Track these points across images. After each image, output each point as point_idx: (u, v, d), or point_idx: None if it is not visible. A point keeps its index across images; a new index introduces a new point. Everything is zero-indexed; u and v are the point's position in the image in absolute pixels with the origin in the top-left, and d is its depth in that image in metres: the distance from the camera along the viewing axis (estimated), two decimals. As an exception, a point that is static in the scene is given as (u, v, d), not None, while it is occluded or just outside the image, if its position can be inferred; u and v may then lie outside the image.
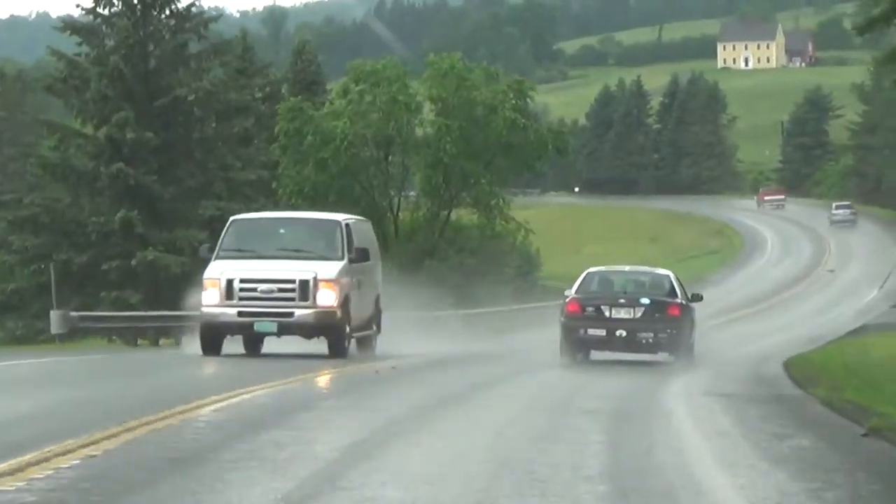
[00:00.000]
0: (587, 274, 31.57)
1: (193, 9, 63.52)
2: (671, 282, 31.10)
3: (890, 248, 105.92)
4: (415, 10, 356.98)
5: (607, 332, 29.59)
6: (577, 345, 30.26)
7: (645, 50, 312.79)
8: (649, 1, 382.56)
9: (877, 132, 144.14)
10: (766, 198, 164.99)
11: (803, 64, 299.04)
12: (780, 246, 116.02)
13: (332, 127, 65.90)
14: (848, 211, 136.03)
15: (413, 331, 36.35)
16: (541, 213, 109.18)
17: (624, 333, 29.38)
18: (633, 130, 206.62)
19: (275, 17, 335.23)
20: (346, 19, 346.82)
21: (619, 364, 30.02)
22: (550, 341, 31.72)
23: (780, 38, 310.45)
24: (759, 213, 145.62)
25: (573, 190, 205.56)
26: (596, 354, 30.82)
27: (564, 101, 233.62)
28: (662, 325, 29.56)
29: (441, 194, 69.75)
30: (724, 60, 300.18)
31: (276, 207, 61.88)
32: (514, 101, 68.95)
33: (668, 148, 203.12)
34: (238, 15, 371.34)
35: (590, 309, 29.79)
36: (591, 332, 29.73)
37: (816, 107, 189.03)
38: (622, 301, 29.98)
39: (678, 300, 30.34)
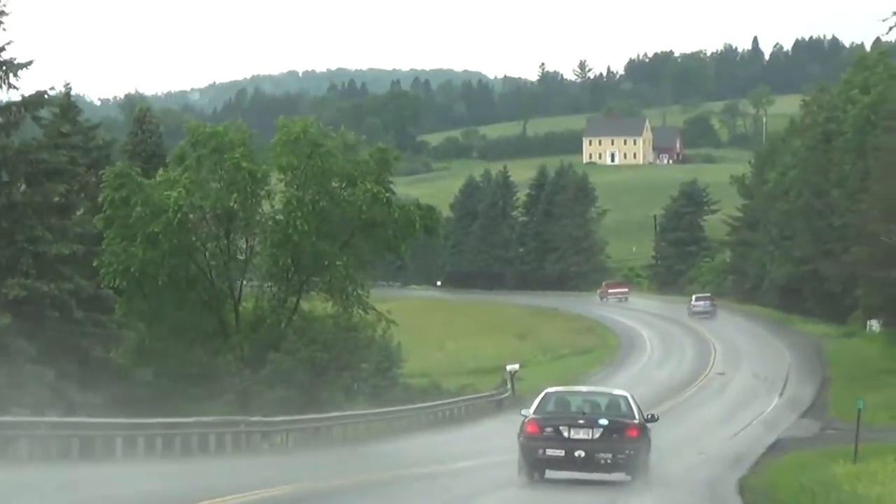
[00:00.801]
0: (545, 394, 31.76)
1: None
2: (628, 402, 31.17)
3: (780, 349, 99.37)
4: (276, 100, 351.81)
5: (566, 453, 29.73)
6: (536, 465, 30.39)
7: (509, 143, 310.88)
8: (512, 97, 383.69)
9: (759, 227, 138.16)
10: (610, 291, 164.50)
11: (671, 160, 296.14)
12: (661, 345, 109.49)
13: (165, 197, 58.62)
14: (707, 302, 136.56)
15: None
16: (402, 305, 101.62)
17: (583, 454, 29.63)
18: (499, 223, 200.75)
19: (133, 103, 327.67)
20: (207, 109, 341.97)
21: (576, 483, 30.50)
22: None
23: (648, 133, 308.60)
24: (634, 312, 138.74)
25: (436, 284, 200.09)
26: (551, 473, 30.77)
27: (428, 193, 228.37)
28: (621, 446, 29.76)
29: (289, 278, 62.79)
30: (590, 155, 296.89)
31: (97, 289, 53.90)
32: (376, 174, 61.30)
33: (534, 242, 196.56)
34: (99, 103, 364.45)
35: (548, 429, 30.07)
36: (549, 452, 29.81)
37: (692, 201, 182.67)
38: (581, 421, 30.19)
39: (636, 421, 30.47)
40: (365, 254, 64.05)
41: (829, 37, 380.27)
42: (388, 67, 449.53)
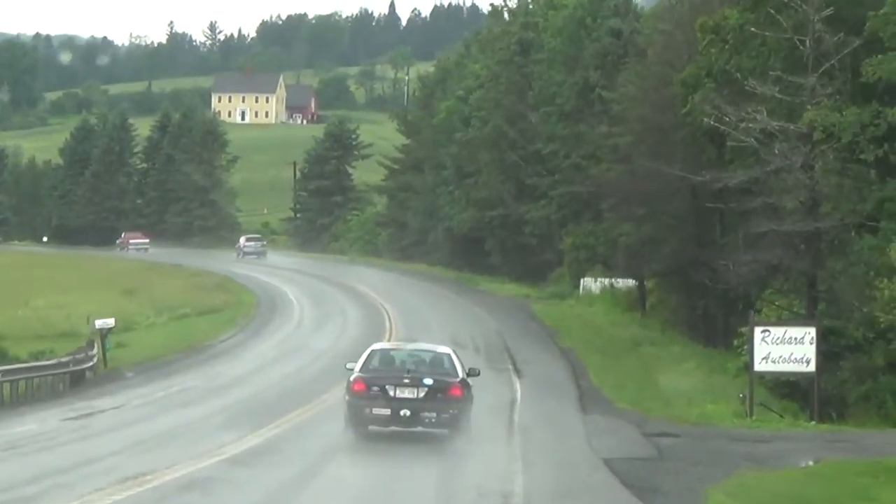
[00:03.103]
0: (371, 351, 31.95)
1: None
2: (451, 359, 31.40)
3: (479, 314, 71.60)
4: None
5: (392, 412, 29.95)
6: (363, 422, 30.38)
7: (133, 100, 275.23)
8: (138, 57, 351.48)
9: (426, 169, 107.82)
10: (131, 241, 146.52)
11: (305, 121, 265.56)
12: (313, 305, 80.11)
13: None
14: (258, 243, 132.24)
15: None
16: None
17: (408, 413, 29.87)
18: (115, 171, 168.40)
19: None
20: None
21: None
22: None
23: (281, 91, 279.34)
24: (277, 269, 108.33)
25: (42, 239, 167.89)
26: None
27: (40, 146, 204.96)
28: (444, 405, 29.84)
29: None
30: (220, 113, 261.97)
31: None
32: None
33: (154, 192, 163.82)
34: None
35: (375, 388, 30.15)
36: (376, 411, 29.97)
37: (339, 143, 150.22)
38: (406, 381, 30.15)
39: (458, 379, 30.49)
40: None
41: (468, 4, 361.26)
42: (13, 32, 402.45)
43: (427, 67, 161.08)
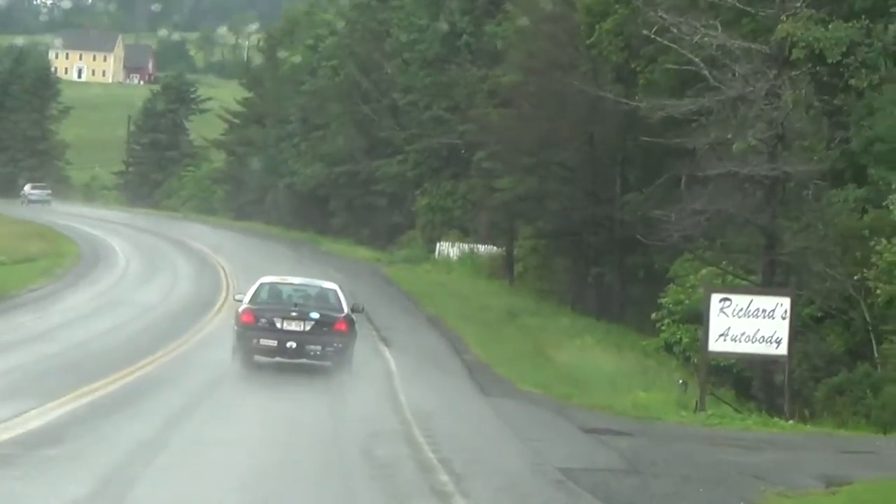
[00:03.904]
0: (260, 284, 31.92)
1: None
2: (337, 295, 31.73)
3: (328, 273, 60.96)
4: None
5: (279, 343, 30.07)
6: (250, 352, 30.48)
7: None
8: None
9: (269, 122, 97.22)
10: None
11: (142, 81, 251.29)
12: (140, 257, 70.52)
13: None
14: (43, 192, 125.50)
15: None
16: None
17: (294, 345, 29.99)
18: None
19: None
20: None
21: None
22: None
23: (120, 51, 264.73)
24: (102, 222, 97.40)
25: None
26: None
27: None
28: (329, 339, 30.09)
29: None
30: (57, 70, 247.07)
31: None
32: None
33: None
34: None
35: (263, 320, 30.26)
36: (263, 341, 30.07)
37: (178, 96, 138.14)
38: (293, 314, 30.34)
39: (344, 314, 30.67)
40: None
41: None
42: None
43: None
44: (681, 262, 36.44)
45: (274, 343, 30.03)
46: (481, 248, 66.33)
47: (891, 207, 27.68)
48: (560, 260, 54.43)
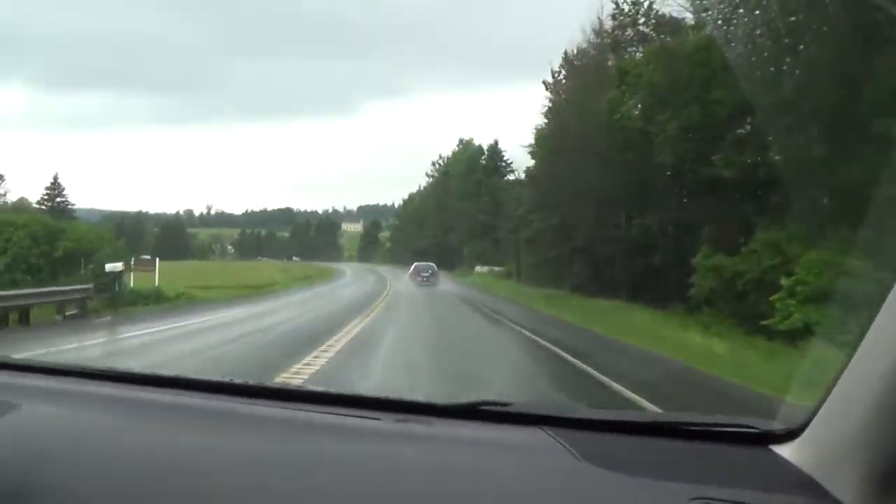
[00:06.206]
0: (414, 266, 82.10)
1: None
2: (434, 266, 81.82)
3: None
4: None
5: (421, 278, 74.78)
6: (414, 281, 72.99)
7: None
8: None
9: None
10: None
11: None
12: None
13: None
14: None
15: None
16: None
17: (426, 277, 74.84)
18: None
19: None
20: None
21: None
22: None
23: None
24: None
25: None
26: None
27: None
28: (433, 277, 77.14)
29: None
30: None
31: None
32: None
33: None
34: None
35: (415, 273, 76.62)
36: (417, 278, 73.94)
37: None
38: (426, 273, 76.94)
39: (436, 269, 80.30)
40: None
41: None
42: None
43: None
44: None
45: (420, 279, 72.90)
46: (495, 268, 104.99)
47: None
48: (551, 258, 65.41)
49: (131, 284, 43.58)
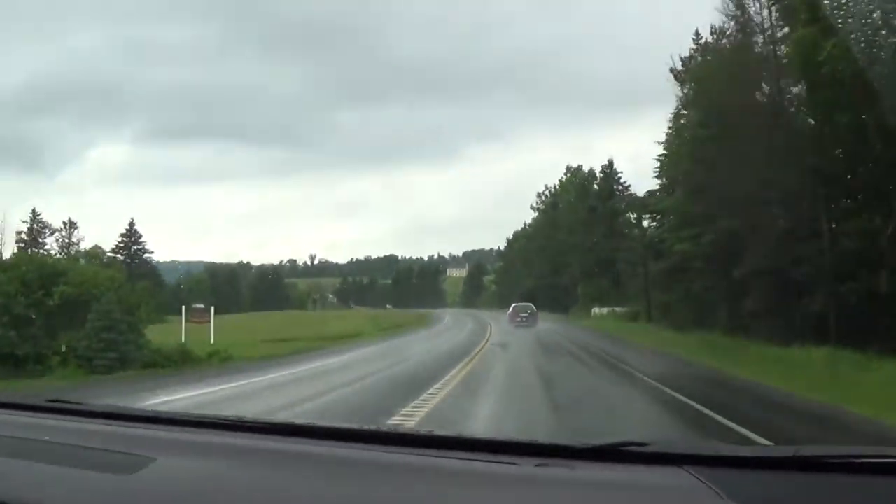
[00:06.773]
0: (512, 306, 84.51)
1: None
2: (533, 307, 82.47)
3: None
4: None
5: (520, 319, 76.21)
6: (513, 322, 75.67)
7: None
8: None
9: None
10: None
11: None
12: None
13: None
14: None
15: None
16: None
17: (524, 318, 76.98)
18: None
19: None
20: None
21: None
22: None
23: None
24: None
25: None
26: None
27: None
28: (531, 319, 78.04)
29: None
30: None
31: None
32: None
33: None
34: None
35: (514, 314, 78.95)
36: (516, 319, 76.94)
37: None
38: (524, 314, 78.34)
39: (534, 310, 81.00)
40: None
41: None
42: None
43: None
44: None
45: (519, 320, 75.67)
46: (616, 308, 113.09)
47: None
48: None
49: (182, 338, 40.27)
